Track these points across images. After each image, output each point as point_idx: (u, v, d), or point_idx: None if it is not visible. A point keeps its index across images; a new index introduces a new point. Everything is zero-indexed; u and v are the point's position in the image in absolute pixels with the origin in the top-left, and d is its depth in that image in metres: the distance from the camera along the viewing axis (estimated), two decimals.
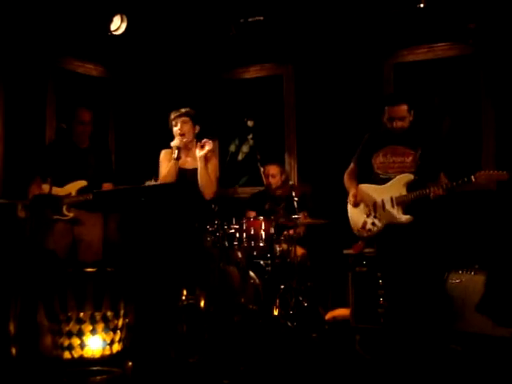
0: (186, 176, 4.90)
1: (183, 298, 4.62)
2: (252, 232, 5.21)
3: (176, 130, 4.90)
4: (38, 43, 5.95)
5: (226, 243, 5.10)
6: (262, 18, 6.04)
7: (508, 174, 4.14)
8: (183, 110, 4.94)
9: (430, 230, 4.51)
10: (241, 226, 5.21)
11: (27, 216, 4.86)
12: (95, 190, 5.03)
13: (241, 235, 5.20)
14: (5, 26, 5.63)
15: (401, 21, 5.92)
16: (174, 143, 4.88)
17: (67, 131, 5.29)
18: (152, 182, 4.75)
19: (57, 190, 4.98)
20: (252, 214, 5.81)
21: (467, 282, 4.72)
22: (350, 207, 4.77)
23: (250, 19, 6.06)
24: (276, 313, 5.06)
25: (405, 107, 4.47)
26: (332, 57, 6.34)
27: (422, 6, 5.55)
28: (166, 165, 4.90)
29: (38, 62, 6.01)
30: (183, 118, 4.89)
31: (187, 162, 4.97)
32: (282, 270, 5.27)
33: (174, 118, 4.91)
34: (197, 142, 4.97)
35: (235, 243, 5.17)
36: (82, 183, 5.07)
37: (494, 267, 4.76)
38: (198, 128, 4.98)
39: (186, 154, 4.98)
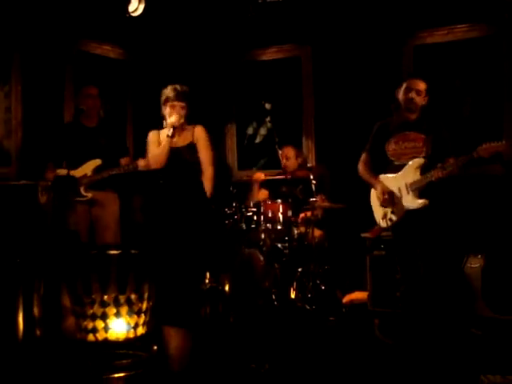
0: (181, 155, 4.84)
1: (206, 281, 4.63)
2: (270, 215, 5.21)
3: (172, 112, 4.83)
4: (56, 25, 5.94)
5: (244, 226, 5.10)
6: None
7: (506, 144, 4.10)
8: (183, 92, 4.85)
9: (446, 214, 4.48)
10: (258, 208, 5.21)
11: (48, 199, 4.89)
12: (111, 166, 5.06)
13: (258, 218, 5.20)
14: (22, 8, 5.63)
15: (420, 2, 5.85)
16: (173, 120, 4.79)
17: (76, 113, 5.32)
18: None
19: (72, 173, 5.01)
20: (265, 192, 5.80)
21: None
22: (372, 198, 4.73)
23: (268, 0, 5.99)
24: (293, 296, 5.07)
25: (423, 84, 4.47)
26: (351, 38, 6.27)
27: None
28: (156, 145, 4.85)
29: (55, 44, 6.00)
30: (182, 104, 4.83)
31: (179, 141, 4.88)
32: (299, 253, 5.27)
33: (174, 101, 4.84)
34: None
35: (253, 226, 5.17)
36: (97, 162, 5.08)
37: (491, 254, 4.72)
38: (188, 110, 4.93)
39: (176, 133, 4.89)
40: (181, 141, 4.86)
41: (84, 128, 5.23)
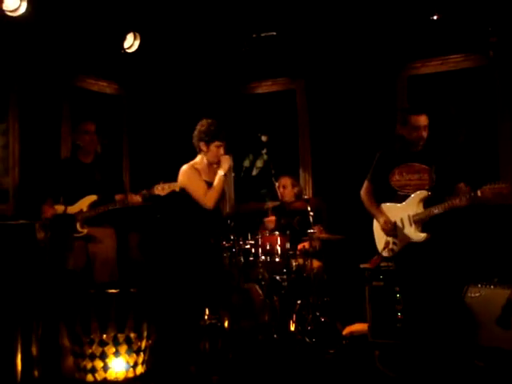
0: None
1: (206, 317, 4.59)
2: (268, 247, 5.20)
3: (218, 151, 4.77)
4: (52, 62, 6.00)
5: (242, 259, 5.08)
6: (274, 33, 6.04)
7: (510, 186, 4.10)
8: (225, 135, 4.80)
9: (447, 245, 4.46)
10: (256, 241, 5.20)
11: (46, 237, 4.86)
12: (106, 202, 5.02)
13: (256, 251, 5.18)
14: (20, 45, 5.68)
15: (414, 33, 5.91)
16: (229, 164, 4.76)
17: (73, 149, 5.32)
18: (160, 186, 4.72)
19: (69, 208, 5.00)
20: (271, 218, 5.78)
21: (487, 295, 4.65)
22: (374, 227, 4.71)
23: (262, 34, 6.06)
24: (293, 328, 5.02)
25: (426, 118, 4.46)
26: (345, 70, 6.33)
27: (435, 18, 5.53)
28: (201, 180, 4.76)
29: (52, 81, 6.05)
30: (224, 143, 4.79)
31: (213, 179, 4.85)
32: (298, 285, 5.24)
33: (221, 143, 4.77)
34: None
35: (251, 258, 5.16)
36: (93, 198, 5.07)
37: None
38: None
39: (213, 171, 4.86)
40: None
41: (80, 164, 5.24)
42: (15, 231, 4.82)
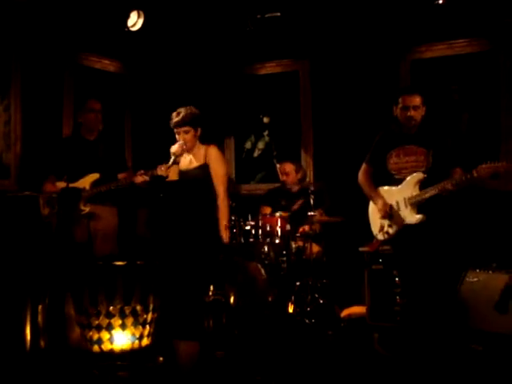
0: (193, 175, 4.90)
1: (210, 293, 4.62)
2: (268, 229, 5.21)
3: (178, 138, 4.88)
4: (55, 39, 5.97)
5: (242, 239, 5.10)
6: (278, 13, 6.00)
7: (507, 165, 4.09)
8: (182, 118, 4.86)
9: (444, 229, 4.47)
10: (257, 222, 5.21)
11: (51, 212, 4.88)
12: (109, 180, 5.04)
13: (257, 232, 5.20)
14: (22, 22, 5.65)
15: (419, 17, 5.88)
16: (173, 150, 4.82)
17: (76, 126, 5.32)
18: (163, 167, 4.76)
19: (71, 186, 4.99)
20: (267, 209, 5.80)
21: (485, 280, 4.67)
22: (370, 210, 4.74)
23: (266, 15, 6.03)
24: (291, 310, 5.05)
25: (419, 98, 4.44)
26: (349, 53, 6.31)
27: (440, 1, 5.50)
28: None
29: (55, 58, 6.03)
30: (184, 128, 4.86)
31: (190, 163, 4.97)
32: (297, 267, 5.27)
33: (175, 127, 4.89)
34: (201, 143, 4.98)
35: (251, 239, 5.17)
36: (95, 176, 5.07)
37: None
38: (199, 130, 4.95)
39: (187, 154, 4.96)
40: (193, 163, 4.95)
41: (84, 141, 5.23)
42: (21, 203, 4.85)
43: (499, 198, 5.43)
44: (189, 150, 4.93)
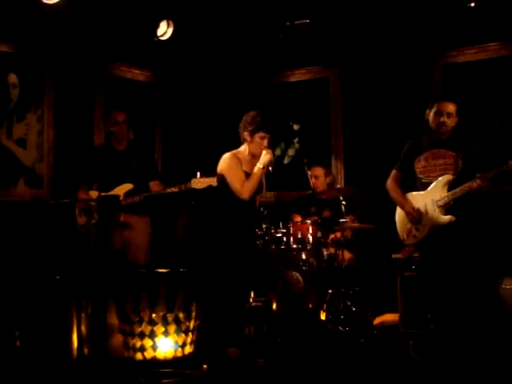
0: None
1: (251, 300, 4.60)
2: (299, 236, 5.19)
3: (262, 143, 4.64)
4: (87, 49, 6.05)
5: (273, 247, 5.08)
6: (307, 20, 5.99)
7: None
8: (271, 127, 4.67)
9: (474, 230, 4.42)
10: (288, 229, 5.19)
11: (88, 222, 4.91)
12: (142, 190, 5.02)
13: (288, 239, 5.18)
14: (55, 32, 5.74)
15: (450, 21, 5.83)
16: (269, 157, 4.61)
17: (107, 136, 5.36)
18: (197, 180, 4.71)
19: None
20: (298, 217, 5.76)
21: None
22: (397, 214, 4.70)
23: (295, 22, 6.02)
24: (323, 317, 5.02)
25: (454, 106, 4.43)
26: (379, 58, 6.27)
27: (472, 5, 5.44)
28: (240, 169, 4.62)
29: (86, 68, 6.11)
30: (269, 136, 4.67)
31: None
32: (329, 274, 5.23)
33: (264, 134, 4.64)
34: None
35: (282, 247, 5.15)
36: (129, 186, 5.07)
37: None
38: None
39: (255, 163, 4.72)
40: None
41: (114, 151, 5.25)
42: (60, 210, 4.88)
43: None
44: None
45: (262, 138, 4.64)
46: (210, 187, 4.57)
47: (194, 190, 4.56)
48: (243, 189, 4.57)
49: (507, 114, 5.77)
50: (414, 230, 4.51)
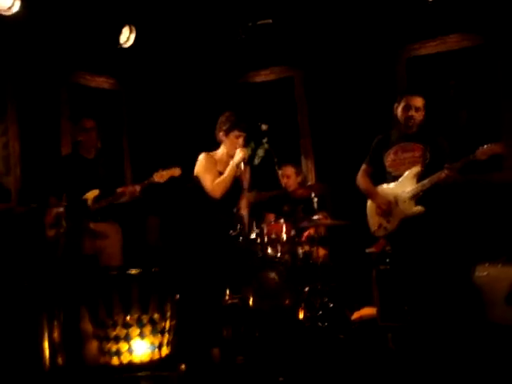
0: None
1: (227, 297, 4.58)
2: (273, 236, 5.18)
3: (237, 142, 4.69)
4: (48, 59, 5.98)
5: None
6: (270, 20, 6.00)
7: (503, 145, 4.11)
8: (245, 126, 4.73)
9: (443, 221, 4.48)
10: (261, 230, 5.18)
11: (57, 233, 4.85)
12: (108, 196, 4.99)
13: (262, 239, 5.16)
14: (14, 44, 5.65)
15: (410, 14, 5.87)
16: (242, 155, 4.64)
17: (74, 145, 5.31)
18: (159, 174, 4.72)
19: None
20: (271, 216, 5.76)
21: (495, 274, 4.64)
22: (368, 208, 4.75)
23: (258, 22, 6.02)
24: (302, 315, 5.02)
25: (421, 100, 4.51)
26: (342, 55, 6.30)
27: None
28: (213, 169, 4.64)
29: (49, 78, 6.04)
30: (244, 135, 4.72)
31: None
32: (305, 272, 5.24)
33: (241, 131, 4.69)
34: None
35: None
36: (95, 192, 5.03)
37: None
38: None
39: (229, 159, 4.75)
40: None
41: (83, 159, 5.21)
42: (28, 216, 4.79)
43: (504, 192, 5.40)
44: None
45: (237, 137, 4.69)
46: (172, 178, 4.61)
47: (158, 183, 4.59)
48: (214, 187, 4.57)
49: (471, 105, 5.84)
50: (385, 222, 4.57)
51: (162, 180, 4.80)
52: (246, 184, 4.80)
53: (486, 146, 4.15)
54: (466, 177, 4.38)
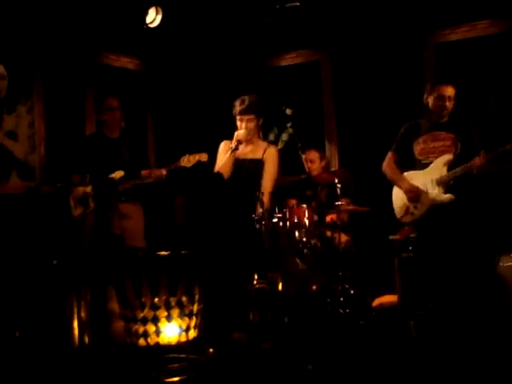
0: (244, 167, 4.84)
1: (254, 282, 4.58)
2: (295, 220, 5.16)
3: (241, 125, 4.83)
4: (75, 39, 5.99)
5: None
6: (298, 3, 5.93)
7: None
8: (248, 106, 4.80)
9: (474, 210, 4.45)
10: (284, 214, 5.16)
11: (84, 212, 4.88)
12: (133, 178, 5.03)
13: (284, 224, 5.15)
14: (42, 23, 5.67)
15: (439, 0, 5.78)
16: (237, 136, 4.78)
17: (98, 125, 5.32)
18: (186, 158, 4.78)
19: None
20: (293, 202, 5.74)
21: None
22: (394, 194, 4.73)
23: (286, 5, 5.96)
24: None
25: (453, 89, 4.56)
26: (370, 40, 6.22)
27: None
28: (224, 153, 4.85)
29: (75, 58, 6.05)
30: (248, 117, 4.81)
31: (247, 153, 4.91)
32: (327, 258, 5.21)
33: (240, 114, 4.82)
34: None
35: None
36: (120, 173, 5.05)
37: None
38: (262, 119, 4.93)
39: (246, 144, 4.90)
40: (251, 153, 4.90)
41: (107, 139, 5.23)
42: (54, 195, 4.83)
43: None
44: (250, 140, 4.88)
45: (241, 121, 4.83)
46: (199, 163, 4.65)
47: (185, 167, 4.62)
48: (217, 171, 4.76)
49: (499, 92, 5.75)
50: (412, 208, 4.56)
51: (188, 165, 4.81)
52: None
53: None
54: (500, 166, 4.34)
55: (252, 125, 4.83)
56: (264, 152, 4.89)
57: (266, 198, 4.72)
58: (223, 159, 4.81)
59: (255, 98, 4.85)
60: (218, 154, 4.91)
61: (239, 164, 4.86)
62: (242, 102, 4.80)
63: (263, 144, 4.96)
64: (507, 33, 5.65)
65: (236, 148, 4.76)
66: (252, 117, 4.82)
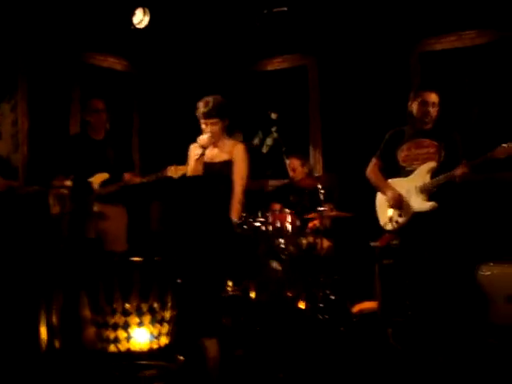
0: (214, 170, 4.80)
1: (228, 288, 4.57)
2: (278, 225, 5.17)
3: (205, 130, 4.71)
4: (61, 38, 5.96)
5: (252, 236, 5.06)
6: (285, 8, 5.95)
7: None
8: (211, 109, 4.65)
9: (455, 219, 4.47)
10: (266, 219, 5.17)
11: (62, 209, 4.85)
12: (116, 180, 5.00)
13: (267, 228, 5.15)
14: (29, 21, 5.64)
15: (427, 9, 5.82)
16: (200, 142, 4.68)
17: (83, 125, 5.29)
18: (174, 168, 4.70)
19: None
20: (277, 206, 5.75)
21: (499, 273, 4.63)
22: (378, 200, 4.74)
23: (273, 10, 5.98)
24: (302, 306, 5.01)
25: (437, 96, 4.53)
26: (357, 47, 6.25)
27: None
28: (192, 156, 4.79)
29: (61, 57, 6.02)
30: (212, 120, 4.68)
31: (214, 156, 4.81)
32: (308, 263, 5.22)
33: (204, 118, 4.69)
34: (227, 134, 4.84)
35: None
36: (104, 176, 5.03)
37: None
38: (227, 121, 4.78)
39: (212, 147, 4.78)
40: (218, 157, 4.78)
41: (91, 140, 5.20)
42: (30, 198, 4.80)
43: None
44: (215, 142, 4.76)
45: (204, 125, 4.73)
46: (184, 175, 4.61)
47: (170, 178, 4.58)
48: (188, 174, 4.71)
49: (483, 103, 5.79)
50: (396, 216, 4.55)
51: (175, 176, 4.71)
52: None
53: (505, 145, 4.13)
54: (483, 175, 4.37)
55: (216, 128, 4.69)
56: (231, 151, 4.79)
57: (236, 202, 4.67)
58: (192, 165, 4.73)
59: (219, 100, 4.70)
60: (188, 159, 4.81)
61: (209, 168, 4.75)
62: (206, 105, 4.67)
63: (229, 143, 4.81)
64: (494, 43, 5.69)
65: (202, 153, 4.69)
66: (216, 120, 4.67)
